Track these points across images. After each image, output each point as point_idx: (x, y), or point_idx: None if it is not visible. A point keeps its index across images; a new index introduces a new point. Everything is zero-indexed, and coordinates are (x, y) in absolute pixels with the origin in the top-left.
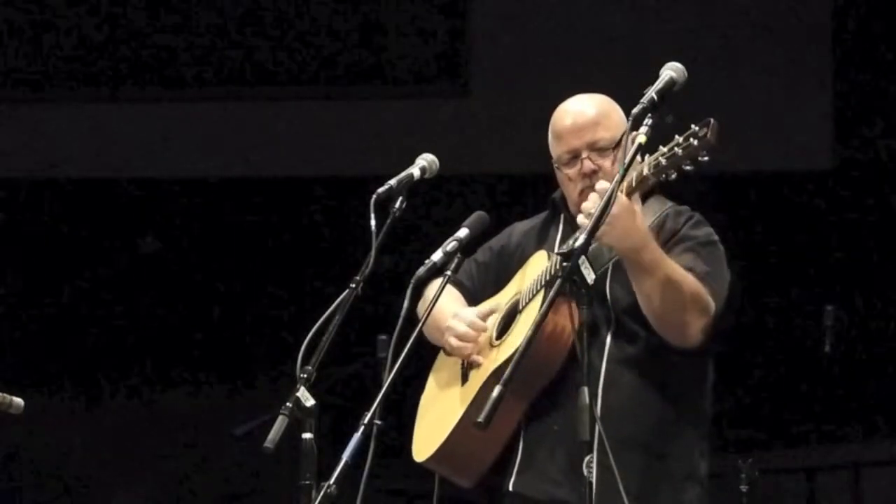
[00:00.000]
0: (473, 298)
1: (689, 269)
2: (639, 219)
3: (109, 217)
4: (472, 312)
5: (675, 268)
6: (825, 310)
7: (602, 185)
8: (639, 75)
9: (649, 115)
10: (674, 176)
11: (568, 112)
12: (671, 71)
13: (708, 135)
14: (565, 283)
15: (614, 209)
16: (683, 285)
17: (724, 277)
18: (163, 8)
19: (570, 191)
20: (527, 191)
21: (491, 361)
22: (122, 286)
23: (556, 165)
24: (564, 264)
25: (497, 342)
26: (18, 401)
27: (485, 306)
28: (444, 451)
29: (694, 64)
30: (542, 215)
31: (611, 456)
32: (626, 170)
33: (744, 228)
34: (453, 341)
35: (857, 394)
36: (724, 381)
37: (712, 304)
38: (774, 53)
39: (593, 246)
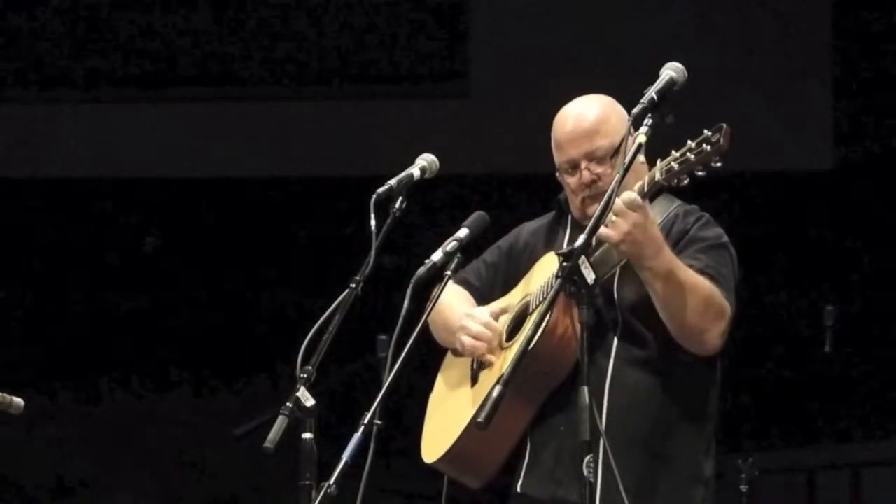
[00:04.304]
0: (482, 298)
1: (702, 272)
2: (654, 226)
3: (109, 217)
4: (486, 312)
5: (691, 273)
6: (825, 310)
7: (627, 194)
8: (639, 75)
9: (649, 114)
10: (686, 181)
11: (567, 118)
12: (671, 71)
13: (721, 140)
14: (566, 283)
15: (635, 217)
16: (700, 290)
17: (733, 283)
18: (163, 8)
19: (573, 198)
20: (527, 191)
21: (501, 363)
22: (122, 286)
23: (557, 172)
24: (565, 264)
25: (507, 344)
26: (18, 401)
27: (496, 306)
28: (454, 453)
29: (694, 64)
30: (550, 215)
31: (611, 456)
32: (626, 171)
33: (744, 228)
34: (467, 341)
35: (857, 394)
36: (724, 381)
37: (728, 308)
38: (774, 53)
39: (603, 249)
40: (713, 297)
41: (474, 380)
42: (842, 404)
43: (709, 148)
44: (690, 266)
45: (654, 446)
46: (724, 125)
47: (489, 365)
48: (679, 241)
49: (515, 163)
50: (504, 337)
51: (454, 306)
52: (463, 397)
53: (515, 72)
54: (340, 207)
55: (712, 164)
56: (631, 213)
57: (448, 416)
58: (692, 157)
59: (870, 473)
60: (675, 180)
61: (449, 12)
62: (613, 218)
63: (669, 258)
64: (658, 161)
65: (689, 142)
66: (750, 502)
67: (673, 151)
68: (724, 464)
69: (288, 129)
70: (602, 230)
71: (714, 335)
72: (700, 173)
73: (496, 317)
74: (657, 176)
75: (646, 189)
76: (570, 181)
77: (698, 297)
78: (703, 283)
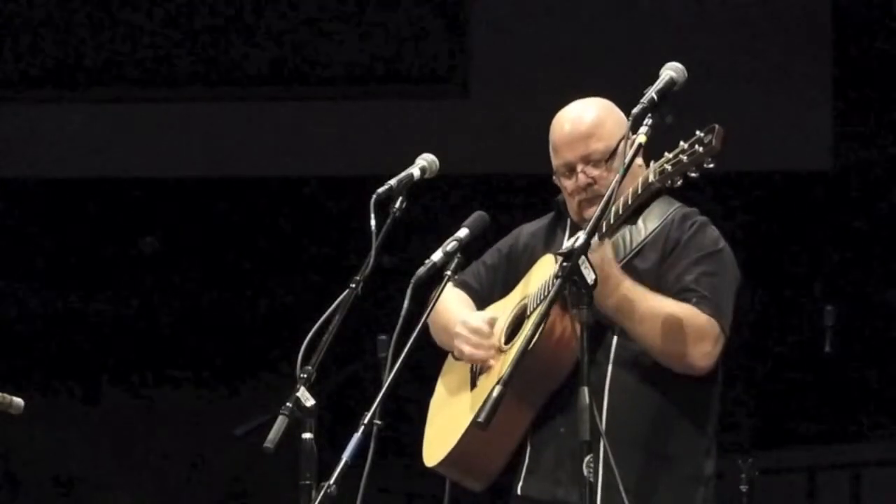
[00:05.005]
0: (481, 300)
1: (689, 290)
2: (610, 265)
3: (109, 217)
4: (481, 318)
5: (657, 301)
6: (825, 310)
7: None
8: (638, 76)
9: (649, 114)
10: (679, 183)
11: (563, 122)
12: (671, 71)
13: (713, 141)
14: (566, 284)
15: (591, 257)
16: (670, 316)
17: (729, 291)
18: (162, 7)
19: (570, 201)
20: (527, 191)
21: (500, 366)
22: (121, 286)
23: (554, 175)
24: (565, 265)
25: (506, 347)
26: (18, 401)
27: (491, 311)
28: (455, 456)
29: (694, 64)
30: (549, 216)
31: (611, 456)
32: (625, 172)
33: (744, 228)
34: (464, 347)
35: (857, 393)
36: (724, 381)
37: (713, 327)
38: (774, 53)
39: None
40: (686, 321)
41: (474, 384)
42: (842, 404)
43: (701, 149)
44: (678, 280)
45: (655, 446)
46: (717, 126)
47: (488, 369)
48: (673, 250)
49: (515, 163)
50: (503, 340)
51: (453, 310)
52: (463, 401)
53: (515, 72)
54: (340, 207)
55: (705, 165)
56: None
57: (448, 420)
58: (685, 158)
59: (870, 473)
60: (668, 181)
61: (449, 12)
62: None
63: (627, 292)
64: (651, 163)
65: (681, 143)
66: (750, 502)
67: (665, 153)
68: (724, 464)
69: (288, 129)
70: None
71: (696, 357)
72: (693, 174)
73: (492, 322)
74: (650, 178)
75: (639, 191)
76: (567, 184)
77: (669, 324)
78: (674, 308)
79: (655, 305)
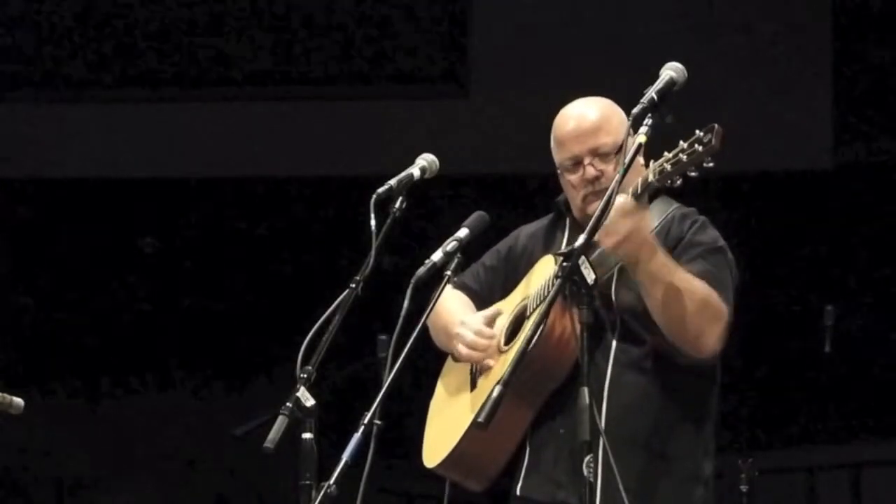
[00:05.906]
0: (481, 301)
1: (700, 276)
2: (647, 230)
3: (109, 217)
4: (480, 319)
5: (687, 276)
6: (825, 310)
7: (621, 198)
8: (639, 75)
9: (649, 115)
10: (679, 182)
11: (569, 118)
12: (671, 71)
13: (713, 141)
14: (565, 284)
15: (630, 222)
16: (697, 292)
17: (730, 287)
18: (162, 8)
19: (574, 196)
20: (527, 191)
21: (500, 367)
22: (121, 286)
23: (559, 171)
24: (565, 265)
25: (506, 348)
26: (18, 401)
27: (490, 310)
28: (454, 457)
29: (694, 64)
30: (548, 218)
31: (611, 456)
32: (626, 171)
33: (744, 228)
34: (462, 349)
35: (857, 394)
36: (724, 382)
37: (725, 311)
38: (774, 53)
39: (601, 249)
40: (709, 299)
41: (473, 385)
42: (842, 404)
43: (701, 149)
44: (688, 271)
45: (654, 446)
46: (716, 125)
47: (488, 369)
48: (675, 246)
49: (515, 163)
50: (502, 340)
51: (453, 311)
52: (462, 402)
53: (515, 72)
54: (340, 207)
55: (704, 165)
56: (624, 219)
57: (448, 421)
58: (684, 157)
59: (870, 473)
60: (668, 181)
61: (449, 12)
62: (607, 224)
63: (664, 261)
64: (651, 162)
65: (681, 143)
66: (750, 502)
67: (665, 153)
68: (724, 464)
69: (287, 129)
70: (597, 236)
71: (711, 339)
72: (693, 174)
73: (490, 321)
74: (650, 177)
75: (639, 191)
76: (572, 178)
77: (695, 298)
78: (700, 285)
79: (689, 279)
